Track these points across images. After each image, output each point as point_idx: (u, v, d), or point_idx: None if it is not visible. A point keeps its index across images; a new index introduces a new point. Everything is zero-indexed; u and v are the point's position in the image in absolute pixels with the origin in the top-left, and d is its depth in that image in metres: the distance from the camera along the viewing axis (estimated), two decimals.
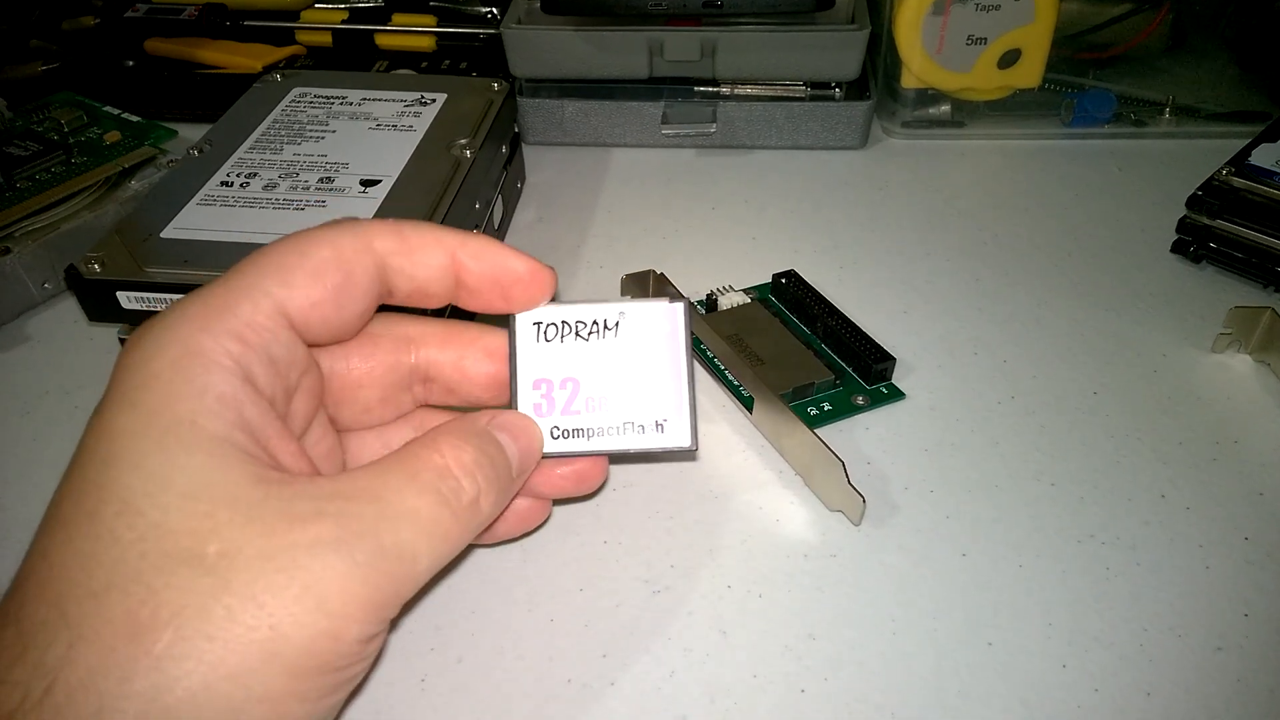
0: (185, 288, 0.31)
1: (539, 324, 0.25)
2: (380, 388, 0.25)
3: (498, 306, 0.25)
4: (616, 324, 0.25)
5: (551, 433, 0.25)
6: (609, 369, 0.25)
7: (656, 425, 0.25)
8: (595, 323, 0.25)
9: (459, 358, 0.25)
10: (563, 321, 0.25)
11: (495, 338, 0.26)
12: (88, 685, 0.17)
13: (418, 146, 0.37)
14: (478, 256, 0.23)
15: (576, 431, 0.25)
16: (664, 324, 0.25)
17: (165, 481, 0.18)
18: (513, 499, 0.25)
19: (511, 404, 0.25)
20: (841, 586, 0.28)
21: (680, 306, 0.25)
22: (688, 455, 0.26)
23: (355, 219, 0.23)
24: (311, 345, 0.23)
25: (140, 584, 0.18)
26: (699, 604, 0.27)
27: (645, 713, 0.25)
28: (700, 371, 0.35)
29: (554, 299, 0.25)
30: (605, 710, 0.25)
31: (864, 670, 0.25)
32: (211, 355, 0.20)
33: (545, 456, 0.25)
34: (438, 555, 0.21)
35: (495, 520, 0.24)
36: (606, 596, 0.27)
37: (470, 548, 0.28)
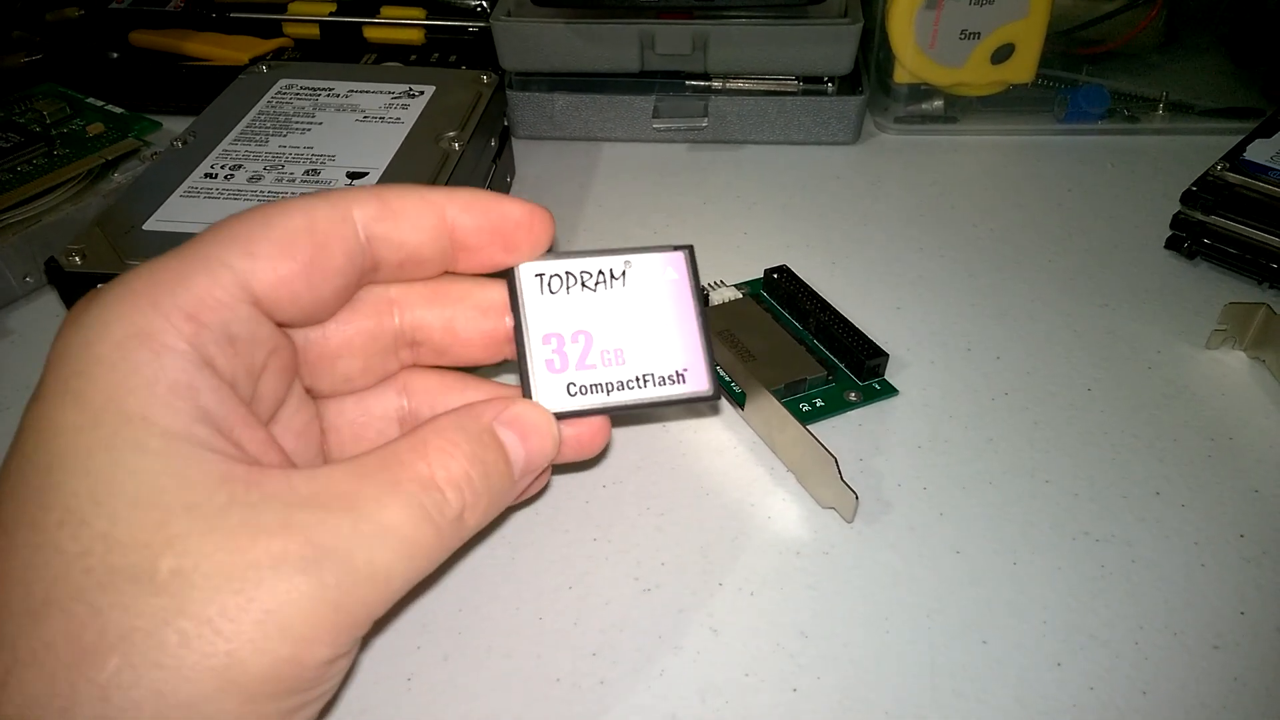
0: None
1: (542, 275, 0.23)
2: (362, 356, 0.23)
3: (499, 260, 0.23)
4: (623, 273, 0.24)
5: (568, 389, 0.23)
6: (620, 320, 0.24)
7: (677, 375, 0.24)
8: (601, 273, 0.24)
9: (449, 317, 0.23)
10: (566, 272, 0.23)
11: (489, 291, 0.24)
12: (26, 717, 0.16)
13: (405, 139, 0.37)
14: (469, 208, 0.22)
15: (595, 387, 0.23)
16: (670, 272, 0.24)
17: (114, 487, 0.16)
18: (508, 504, 0.23)
19: (521, 364, 0.23)
20: (834, 584, 0.27)
21: (683, 255, 0.24)
22: (709, 403, 0.25)
23: (334, 189, 0.21)
24: (282, 326, 0.21)
25: (83, 603, 0.16)
26: (690, 602, 0.27)
27: (635, 711, 0.24)
28: None
29: (551, 249, 0.24)
30: (594, 709, 0.24)
31: (857, 669, 0.25)
32: (162, 337, 0.17)
33: (562, 417, 0.23)
34: (414, 573, 0.19)
35: None
36: (596, 594, 0.27)
37: None
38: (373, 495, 0.18)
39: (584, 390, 0.23)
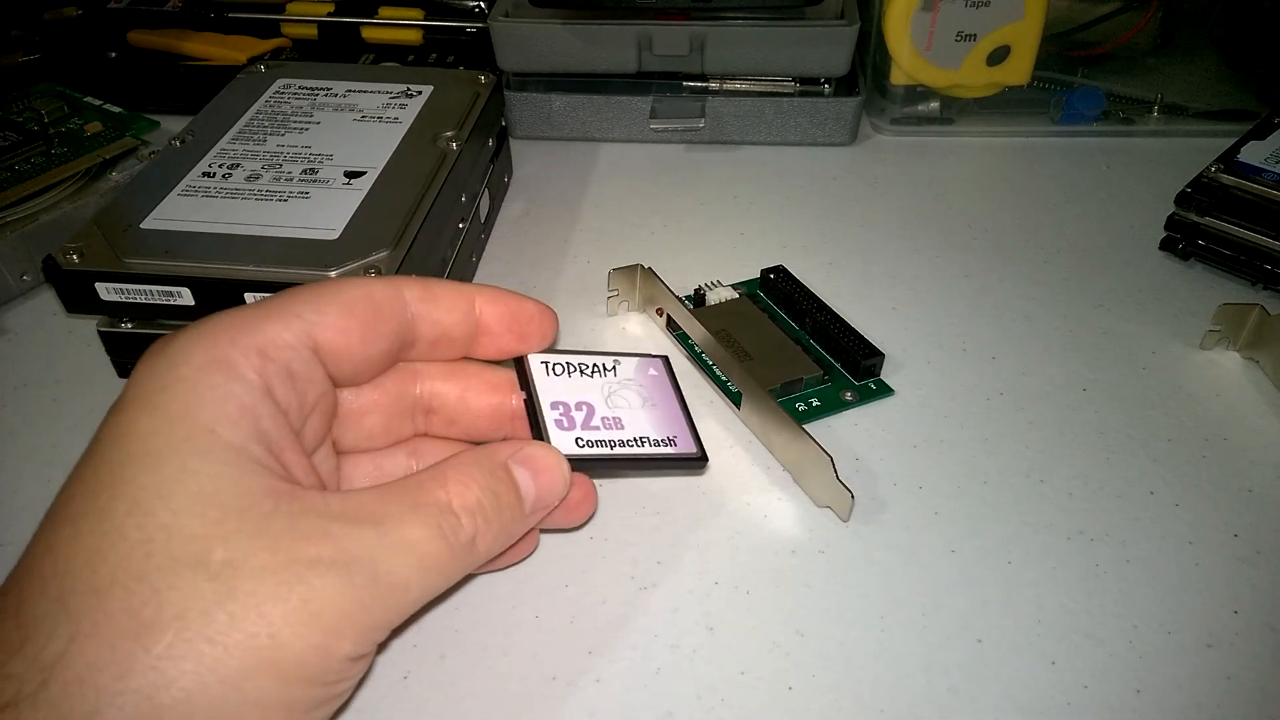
0: (165, 279, 0.30)
1: (547, 363, 0.27)
2: (385, 416, 0.26)
3: (513, 347, 0.26)
4: (614, 368, 0.28)
5: (576, 441, 0.25)
6: (615, 398, 0.27)
7: (668, 440, 0.27)
8: (595, 366, 0.28)
9: (463, 390, 0.26)
10: (568, 363, 0.27)
11: (497, 373, 0.27)
12: (85, 680, 0.17)
13: (403, 138, 0.37)
14: (494, 300, 0.25)
15: (599, 442, 0.26)
16: (652, 370, 0.29)
17: (178, 485, 0.19)
18: (522, 536, 0.25)
19: (532, 421, 0.25)
20: (830, 583, 0.27)
21: (661, 360, 0.29)
22: (699, 466, 0.28)
23: (388, 276, 0.24)
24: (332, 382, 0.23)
25: (144, 583, 0.18)
26: (686, 600, 0.27)
27: (631, 710, 0.24)
28: (689, 367, 0.34)
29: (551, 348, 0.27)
30: (591, 707, 0.24)
31: (852, 667, 0.25)
32: (235, 366, 0.20)
33: (573, 462, 0.25)
34: (428, 587, 0.21)
35: None
36: (592, 593, 0.27)
37: None
38: (396, 515, 0.21)
39: (590, 444, 0.26)
